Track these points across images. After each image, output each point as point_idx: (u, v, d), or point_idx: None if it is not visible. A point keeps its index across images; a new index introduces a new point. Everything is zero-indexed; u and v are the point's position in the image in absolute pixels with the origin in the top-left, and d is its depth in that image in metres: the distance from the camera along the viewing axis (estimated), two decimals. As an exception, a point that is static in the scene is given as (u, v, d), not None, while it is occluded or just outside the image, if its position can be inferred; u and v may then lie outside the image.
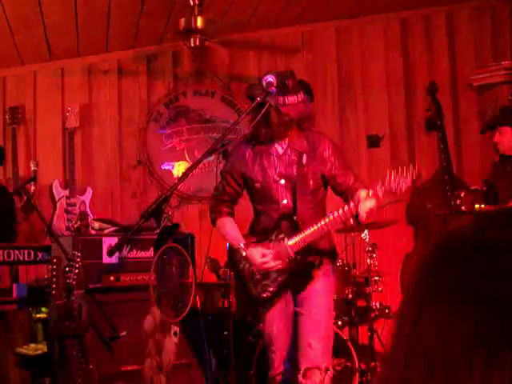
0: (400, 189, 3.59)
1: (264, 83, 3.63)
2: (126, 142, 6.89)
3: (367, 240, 5.58)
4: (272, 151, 3.99)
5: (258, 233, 4.08)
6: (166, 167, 6.66)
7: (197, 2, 5.75)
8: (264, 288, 3.96)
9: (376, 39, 6.99)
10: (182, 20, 5.90)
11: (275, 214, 3.98)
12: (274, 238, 3.96)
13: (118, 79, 6.93)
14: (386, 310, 5.62)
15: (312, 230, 3.80)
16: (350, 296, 5.49)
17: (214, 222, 4.23)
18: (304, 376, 3.79)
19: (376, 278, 5.54)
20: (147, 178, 6.83)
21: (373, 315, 5.56)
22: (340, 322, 5.37)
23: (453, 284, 0.83)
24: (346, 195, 3.91)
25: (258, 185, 4.01)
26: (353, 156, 6.75)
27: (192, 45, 6.14)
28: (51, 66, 6.84)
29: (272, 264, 3.88)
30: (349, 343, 5.04)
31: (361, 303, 5.66)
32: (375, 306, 5.55)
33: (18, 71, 6.81)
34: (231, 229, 4.15)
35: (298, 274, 3.94)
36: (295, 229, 3.89)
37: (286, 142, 3.98)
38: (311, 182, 3.95)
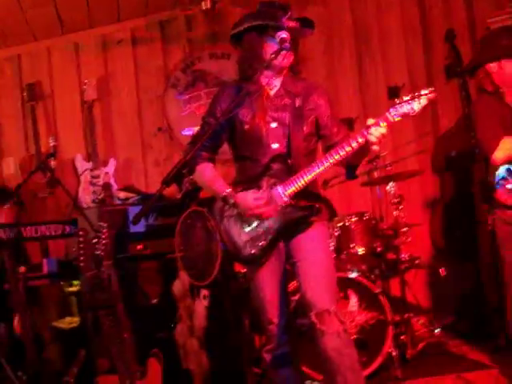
0: (414, 110, 3.33)
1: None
2: (145, 111, 6.88)
3: (393, 192, 5.53)
4: (262, 93, 3.69)
5: (244, 182, 3.71)
6: (187, 133, 6.62)
7: (206, -36, 5.70)
8: (253, 243, 3.62)
9: (390, -12, 6.89)
10: (192, -17, 5.86)
11: (264, 159, 3.65)
12: (264, 184, 3.62)
13: (133, 48, 6.90)
14: (416, 261, 5.59)
15: (313, 172, 3.49)
16: (379, 249, 5.45)
17: (192, 171, 3.78)
18: (317, 319, 3.46)
19: (404, 229, 5.50)
20: (169, 145, 6.83)
21: (403, 267, 5.53)
22: (373, 276, 5.35)
23: None
24: None
25: (247, 126, 3.67)
26: (374, 108, 6.69)
27: (204, 7, 6.11)
28: (65, 40, 6.82)
29: (266, 209, 3.55)
30: (380, 296, 5.02)
31: (390, 256, 5.63)
32: (405, 257, 5.52)
33: (31, 48, 6.79)
34: (214, 175, 3.76)
35: (293, 222, 3.59)
36: (289, 173, 3.57)
37: (279, 83, 3.73)
38: (305, 127, 3.67)
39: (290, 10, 3.66)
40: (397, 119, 3.36)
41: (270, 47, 3.61)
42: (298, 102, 3.70)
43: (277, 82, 3.74)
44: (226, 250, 3.75)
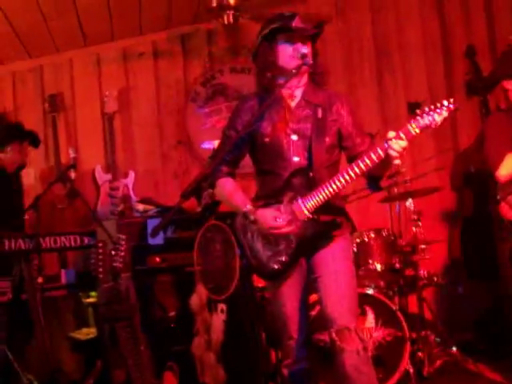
0: (436, 122, 3.23)
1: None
2: (165, 123, 6.92)
3: (412, 208, 5.52)
4: (283, 104, 3.63)
5: (266, 196, 3.64)
6: (207, 146, 6.62)
7: (228, -22, 5.72)
8: (275, 258, 3.56)
9: (411, 3, 6.88)
10: (214, -3, 5.88)
11: (285, 173, 3.57)
12: (285, 199, 3.54)
13: (154, 61, 6.95)
14: (435, 278, 5.57)
15: (334, 186, 3.41)
16: (398, 265, 5.42)
17: (212, 185, 3.75)
18: (337, 336, 3.42)
19: (423, 246, 5.48)
20: (188, 158, 6.85)
21: (421, 284, 5.52)
22: (391, 292, 5.33)
23: None
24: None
25: (267, 139, 3.61)
26: (394, 124, 6.67)
27: (225, 22, 6.12)
28: (87, 52, 6.88)
29: (286, 229, 3.49)
30: (398, 313, 5.00)
31: (409, 272, 5.61)
32: (423, 274, 5.50)
33: (54, 59, 6.85)
34: (234, 190, 3.68)
35: (314, 237, 3.54)
36: (310, 186, 3.49)
37: (300, 94, 3.66)
38: (327, 139, 3.58)
39: (297, 15, 3.61)
40: (418, 131, 3.29)
41: (282, 49, 3.58)
42: (319, 113, 3.63)
43: (297, 93, 3.68)
44: (248, 264, 3.68)
